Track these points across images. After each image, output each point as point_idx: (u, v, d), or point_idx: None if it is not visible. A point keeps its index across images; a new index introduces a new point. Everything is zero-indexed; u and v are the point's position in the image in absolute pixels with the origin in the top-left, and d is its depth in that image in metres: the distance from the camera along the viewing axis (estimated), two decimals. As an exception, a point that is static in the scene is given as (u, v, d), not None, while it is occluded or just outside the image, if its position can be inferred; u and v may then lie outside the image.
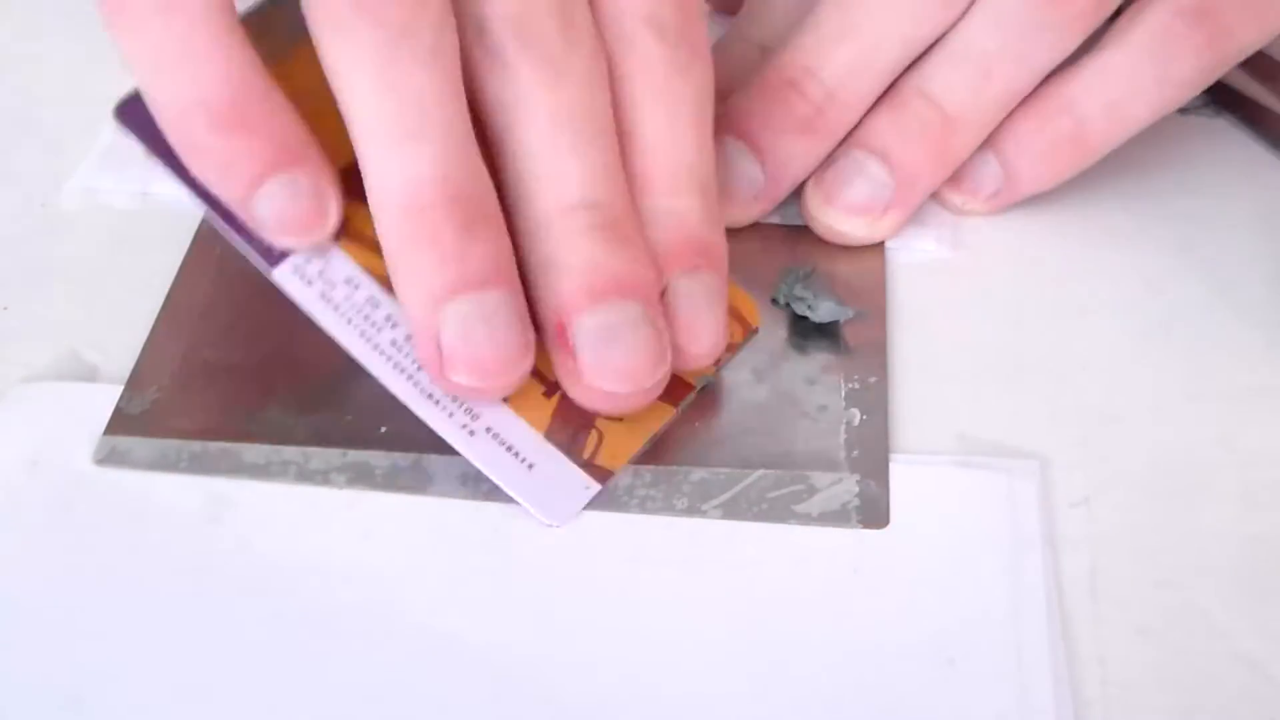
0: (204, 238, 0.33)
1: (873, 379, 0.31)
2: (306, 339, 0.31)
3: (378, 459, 0.29)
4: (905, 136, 0.33)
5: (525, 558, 0.28)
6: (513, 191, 0.28)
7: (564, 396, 0.28)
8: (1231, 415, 0.31)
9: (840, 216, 0.34)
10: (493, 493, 0.28)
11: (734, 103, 0.34)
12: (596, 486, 0.28)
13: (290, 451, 0.29)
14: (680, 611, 0.27)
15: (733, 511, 0.28)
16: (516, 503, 0.28)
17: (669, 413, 0.29)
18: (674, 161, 0.29)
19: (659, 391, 0.28)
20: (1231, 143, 0.38)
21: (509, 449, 0.28)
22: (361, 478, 0.29)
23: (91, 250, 0.34)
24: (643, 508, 0.28)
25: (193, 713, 0.25)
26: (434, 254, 0.26)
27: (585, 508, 0.28)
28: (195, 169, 0.27)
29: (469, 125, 0.27)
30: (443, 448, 0.29)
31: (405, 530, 0.28)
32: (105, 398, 0.30)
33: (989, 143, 0.34)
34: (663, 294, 0.28)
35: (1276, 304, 0.33)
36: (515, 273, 0.27)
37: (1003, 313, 0.33)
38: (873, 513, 0.28)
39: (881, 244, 0.34)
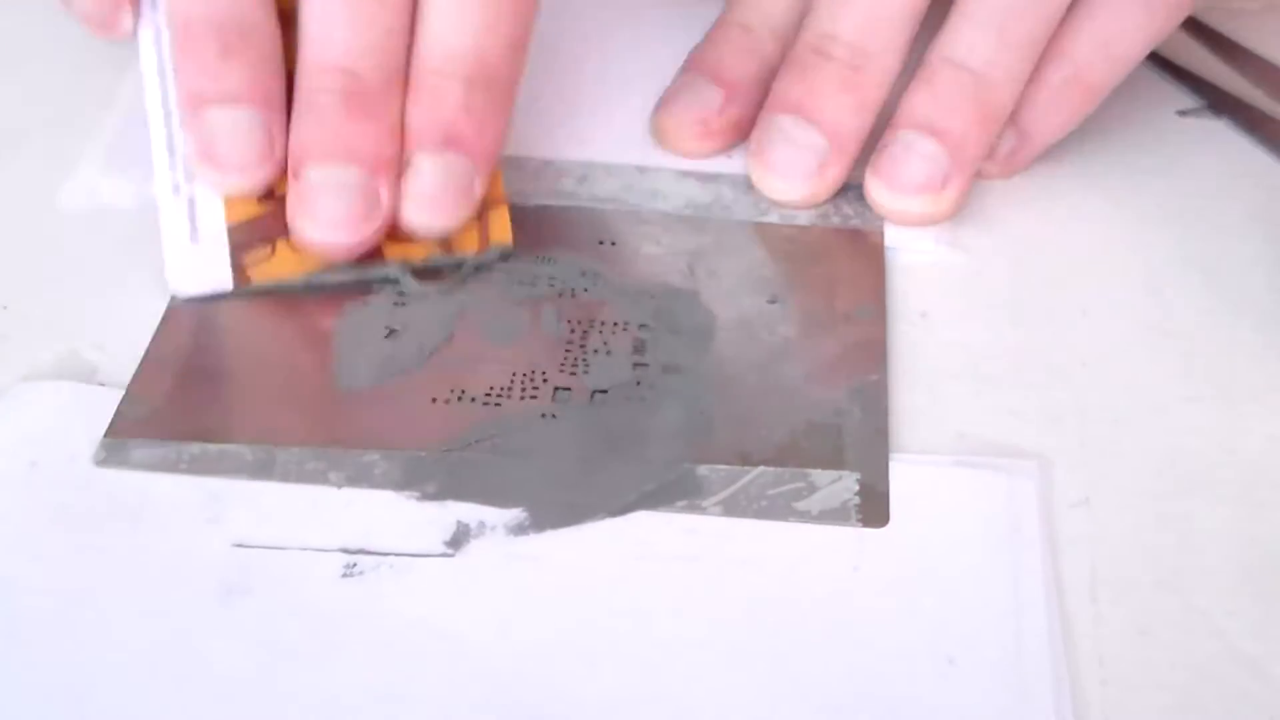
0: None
1: (873, 377, 0.31)
2: (306, 339, 0.31)
3: (375, 458, 0.29)
4: (944, 105, 0.34)
5: (524, 555, 0.28)
6: (299, 42, 0.31)
7: (271, 210, 0.32)
8: (1231, 416, 0.31)
9: (904, 199, 0.34)
10: (493, 494, 0.28)
11: (776, 85, 0.35)
12: (228, 285, 0.32)
13: (289, 451, 0.29)
14: (679, 608, 0.27)
15: (732, 508, 0.28)
16: (512, 504, 0.28)
17: (344, 269, 0.32)
18: (449, 45, 0.31)
19: (360, 249, 0.31)
20: (1231, 144, 0.38)
21: (190, 217, 0.32)
22: (359, 477, 0.29)
23: (92, 250, 0.34)
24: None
25: (193, 713, 0.25)
26: (195, 66, 0.31)
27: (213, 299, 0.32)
28: None
29: None
30: (440, 447, 0.29)
31: (404, 529, 0.28)
32: (106, 398, 0.30)
33: None
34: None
35: (1276, 305, 0.33)
36: (274, 98, 0.31)
37: (1003, 312, 0.33)
38: (873, 511, 0.28)
39: (882, 242, 0.34)
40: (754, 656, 0.26)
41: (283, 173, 0.32)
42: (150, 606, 0.27)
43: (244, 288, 0.32)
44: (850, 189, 0.36)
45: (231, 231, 0.32)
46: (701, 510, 0.28)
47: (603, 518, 0.28)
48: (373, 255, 0.32)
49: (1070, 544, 0.28)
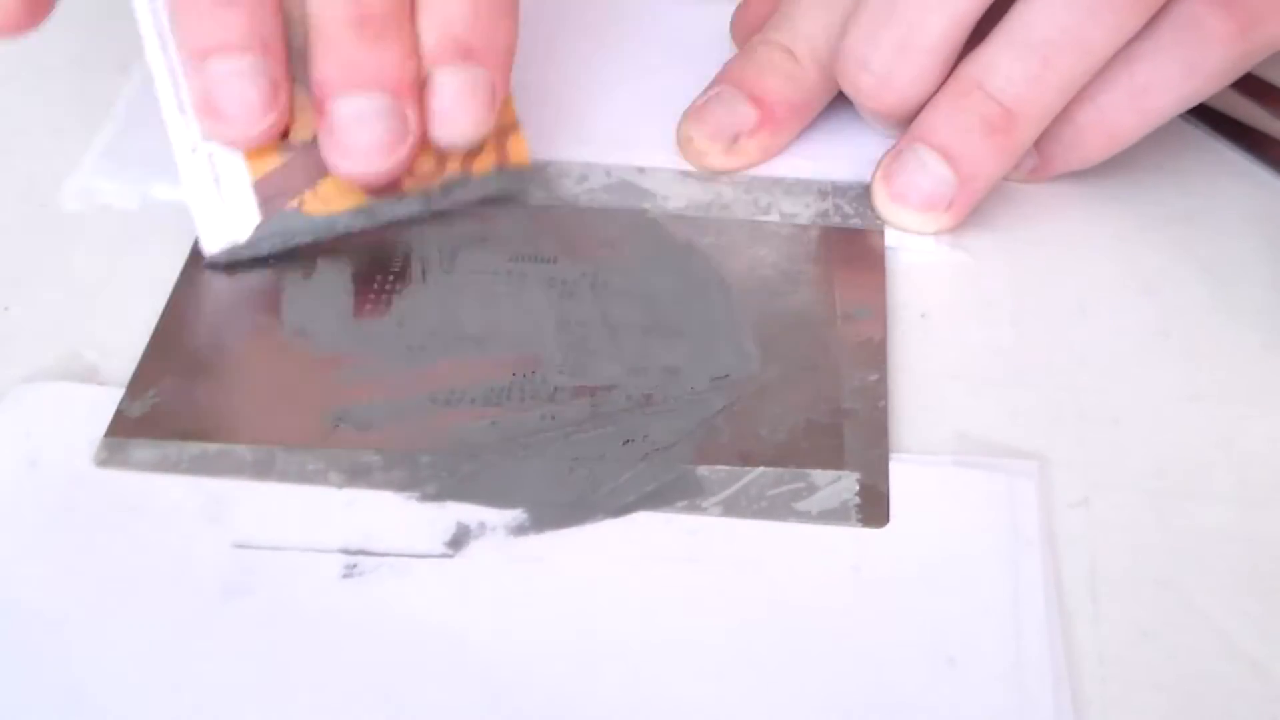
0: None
1: (873, 377, 0.31)
2: (306, 339, 0.31)
3: (375, 459, 0.29)
4: (965, 131, 0.33)
5: (524, 555, 0.28)
6: None
7: (293, 159, 0.32)
8: (1230, 416, 0.31)
9: (905, 211, 0.34)
10: (494, 495, 0.28)
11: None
12: (255, 221, 0.32)
13: (289, 452, 0.29)
14: (679, 609, 0.27)
15: (732, 509, 0.28)
16: (513, 504, 0.28)
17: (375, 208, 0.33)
18: None
19: (398, 173, 0.32)
20: (1230, 146, 0.38)
21: (213, 173, 0.32)
22: (359, 478, 0.29)
23: (92, 251, 0.34)
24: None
25: (193, 712, 0.25)
26: (194, 16, 0.31)
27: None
28: None
29: None
30: (440, 447, 0.29)
31: (404, 530, 0.28)
32: (106, 398, 0.30)
33: None
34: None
35: (1274, 305, 0.33)
36: (273, 43, 0.31)
37: (1003, 313, 0.33)
38: (873, 511, 0.28)
39: (882, 242, 0.34)
40: (754, 657, 0.26)
41: (290, 119, 0.32)
42: (150, 606, 0.27)
43: (272, 222, 0.32)
44: (851, 188, 0.36)
45: (258, 185, 0.32)
46: (701, 511, 0.28)
47: (603, 518, 0.28)
48: (392, 188, 0.33)
49: (1070, 543, 0.28)
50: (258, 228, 0.32)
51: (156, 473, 0.29)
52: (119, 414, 0.30)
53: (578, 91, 0.38)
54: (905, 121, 0.34)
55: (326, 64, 0.31)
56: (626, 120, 0.38)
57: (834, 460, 0.29)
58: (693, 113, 0.36)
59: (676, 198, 0.35)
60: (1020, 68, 0.33)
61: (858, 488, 0.29)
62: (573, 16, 0.41)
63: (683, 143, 0.36)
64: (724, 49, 0.39)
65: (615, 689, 0.26)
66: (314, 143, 0.32)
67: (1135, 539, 0.28)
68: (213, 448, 0.29)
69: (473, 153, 0.33)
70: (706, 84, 0.37)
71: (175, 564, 0.27)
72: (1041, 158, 0.35)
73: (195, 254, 0.33)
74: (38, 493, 0.28)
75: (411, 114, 0.31)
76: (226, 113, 0.31)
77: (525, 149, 0.34)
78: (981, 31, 0.33)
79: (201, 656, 0.26)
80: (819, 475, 0.29)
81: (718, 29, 0.40)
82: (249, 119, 0.31)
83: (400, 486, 0.29)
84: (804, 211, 0.35)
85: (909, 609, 0.27)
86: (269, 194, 0.32)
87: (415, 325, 0.32)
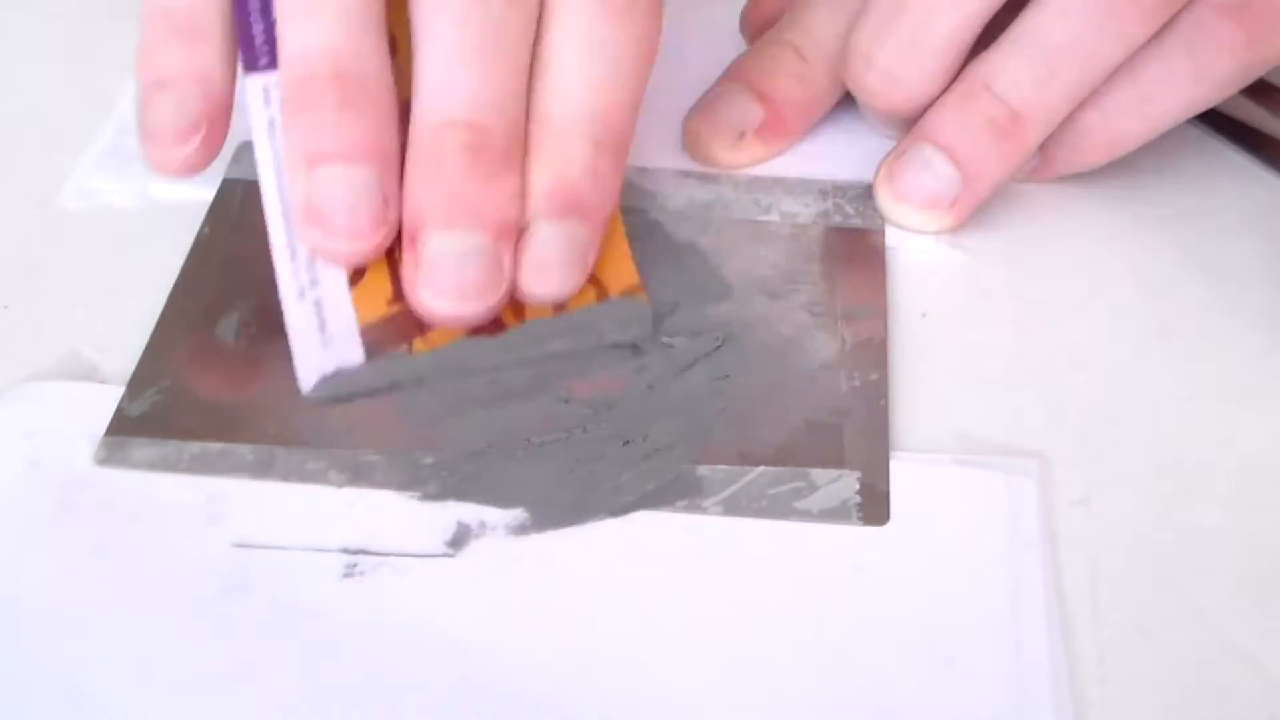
0: (205, 238, 0.33)
1: (873, 377, 0.31)
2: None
3: (376, 459, 0.29)
4: (971, 132, 0.33)
5: (524, 555, 0.28)
6: (414, 93, 0.29)
7: (404, 310, 0.30)
8: (1230, 415, 0.31)
9: (907, 210, 0.34)
10: (494, 494, 0.28)
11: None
12: (360, 359, 0.30)
13: (289, 451, 0.29)
14: (679, 608, 0.27)
15: (733, 508, 0.28)
16: (513, 504, 0.28)
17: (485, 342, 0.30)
18: (576, 104, 0.29)
19: (487, 319, 0.29)
20: (1230, 145, 0.38)
21: (321, 322, 0.30)
22: (360, 477, 0.29)
23: (92, 250, 0.34)
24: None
25: (192, 712, 0.25)
26: (311, 121, 0.29)
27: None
28: None
29: (374, 9, 0.29)
30: (439, 448, 0.29)
31: (405, 529, 0.28)
32: (106, 398, 0.30)
33: None
34: (524, 232, 0.29)
35: (1274, 305, 0.33)
36: (390, 155, 0.29)
37: (1003, 312, 0.33)
38: (873, 510, 0.28)
39: (883, 242, 0.34)
40: (754, 656, 0.26)
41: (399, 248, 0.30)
42: (151, 606, 0.27)
43: (375, 366, 0.30)
44: (852, 188, 0.36)
45: (365, 332, 0.30)
46: (702, 510, 0.28)
47: (603, 518, 0.28)
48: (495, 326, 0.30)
49: (1070, 543, 0.28)
50: (360, 367, 0.30)
51: (156, 472, 0.29)
52: (119, 413, 0.30)
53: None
54: (909, 123, 0.34)
55: (429, 191, 0.29)
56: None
57: (834, 459, 0.29)
58: (700, 108, 0.36)
59: (677, 198, 0.35)
60: (1029, 72, 0.32)
61: (858, 487, 0.29)
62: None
63: (688, 137, 0.36)
64: (726, 49, 0.39)
65: (615, 688, 0.26)
66: None
67: (1135, 538, 0.28)
68: (213, 447, 0.29)
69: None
70: (710, 82, 0.37)
71: (175, 563, 0.27)
72: (1044, 159, 0.35)
73: (195, 252, 0.33)
74: (38, 492, 0.28)
75: (508, 259, 0.29)
76: (333, 225, 0.29)
77: (630, 269, 0.32)
78: (989, 36, 0.33)
79: (201, 656, 0.26)
80: (819, 474, 0.29)
81: (720, 30, 0.40)
82: (355, 235, 0.29)
83: (401, 486, 0.29)
84: (805, 211, 0.35)
85: (909, 608, 0.27)
86: (376, 339, 0.30)
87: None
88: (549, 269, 0.29)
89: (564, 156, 0.29)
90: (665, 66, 0.38)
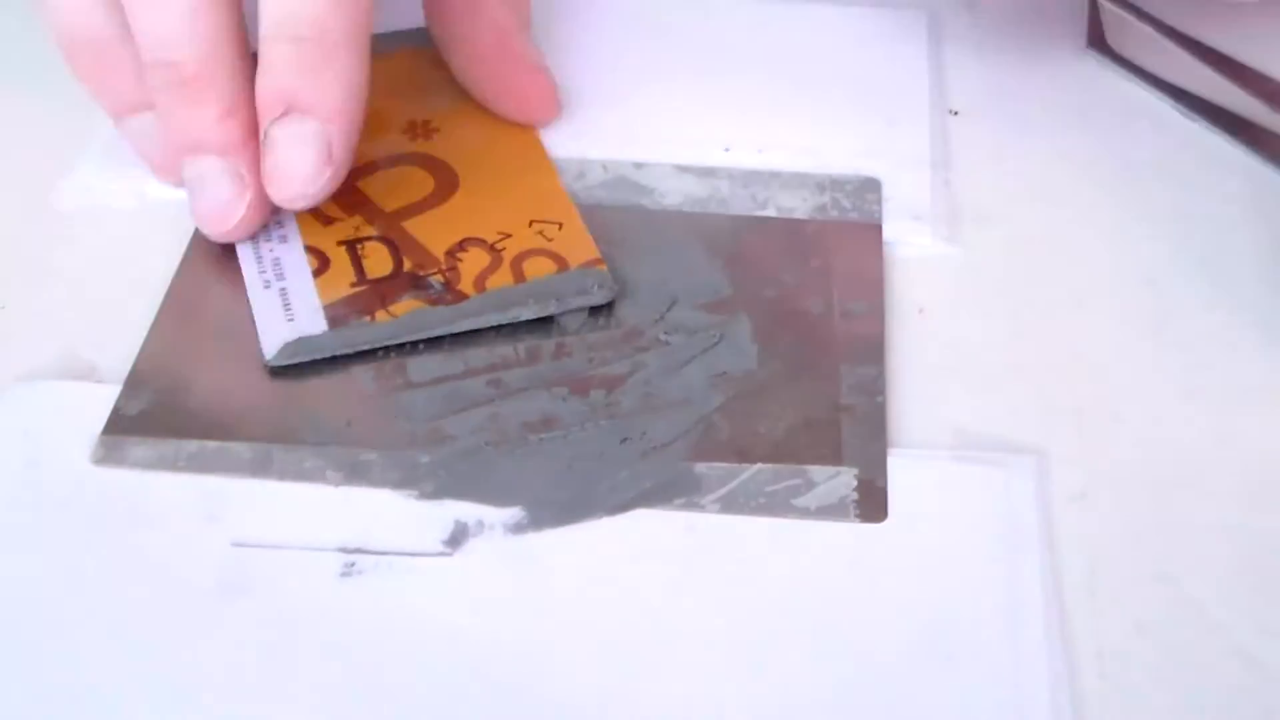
0: (203, 237, 0.33)
1: (871, 373, 0.31)
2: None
3: (373, 457, 0.29)
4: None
5: (522, 553, 0.28)
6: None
7: (368, 289, 0.32)
8: (1228, 411, 0.31)
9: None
10: (492, 493, 0.28)
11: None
12: (323, 326, 0.31)
13: (286, 449, 0.29)
14: (677, 606, 0.27)
15: (731, 505, 0.28)
16: (511, 502, 0.28)
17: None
18: (270, 11, 0.31)
19: (243, 233, 0.32)
20: (1227, 140, 0.38)
21: (285, 303, 0.31)
22: (357, 476, 0.29)
23: (90, 250, 0.34)
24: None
25: (191, 711, 0.25)
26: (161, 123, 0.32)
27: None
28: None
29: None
30: (436, 447, 0.29)
31: (402, 528, 0.28)
32: (103, 397, 0.30)
33: None
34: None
35: (1272, 301, 0.33)
36: (225, 136, 0.31)
37: (1000, 308, 0.33)
38: (870, 507, 0.28)
39: (880, 238, 0.34)
40: (752, 653, 0.26)
41: (366, 254, 0.33)
42: (148, 605, 0.27)
43: (337, 333, 0.31)
44: (849, 182, 0.36)
45: (328, 308, 0.31)
46: (699, 508, 0.28)
47: (601, 516, 0.28)
48: (457, 295, 0.32)
49: (1068, 538, 0.28)
50: (323, 334, 0.31)
51: (154, 471, 0.29)
52: (116, 412, 0.30)
53: (573, 87, 0.38)
54: None
55: (161, 134, 0.32)
56: (623, 115, 0.37)
57: (832, 456, 0.29)
58: None
59: (673, 193, 0.35)
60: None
61: (856, 483, 0.29)
62: (566, 13, 0.41)
63: None
64: (719, 42, 0.39)
65: (614, 686, 0.26)
66: (391, 276, 0.32)
67: (1133, 533, 0.28)
68: (210, 445, 0.29)
69: (520, 255, 0.33)
70: (695, 77, 0.36)
71: (173, 562, 0.27)
72: None
73: (192, 252, 0.33)
74: (35, 491, 0.28)
75: (246, 172, 0.32)
76: (201, 218, 0.32)
77: (589, 244, 0.33)
78: None
79: (199, 655, 0.26)
80: (817, 471, 0.29)
81: (713, 24, 0.40)
82: (216, 219, 0.32)
83: (398, 484, 0.29)
84: (801, 205, 0.35)
85: (907, 604, 0.27)
86: (339, 313, 0.31)
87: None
88: (283, 168, 0.31)
89: (269, 60, 0.31)
90: (659, 62, 0.38)
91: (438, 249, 0.33)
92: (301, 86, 0.31)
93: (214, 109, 0.31)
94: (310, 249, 0.32)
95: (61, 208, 0.35)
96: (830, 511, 0.28)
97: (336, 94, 0.31)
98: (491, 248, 0.33)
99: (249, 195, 0.32)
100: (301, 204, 0.32)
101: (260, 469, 0.29)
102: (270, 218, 0.33)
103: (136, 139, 0.34)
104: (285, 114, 0.31)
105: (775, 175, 0.36)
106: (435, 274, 0.32)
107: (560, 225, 0.33)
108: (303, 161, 0.31)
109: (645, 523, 0.28)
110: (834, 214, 0.35)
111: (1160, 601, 0.27)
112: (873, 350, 0.31)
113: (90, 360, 0.31)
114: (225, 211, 0.32)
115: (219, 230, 0.32)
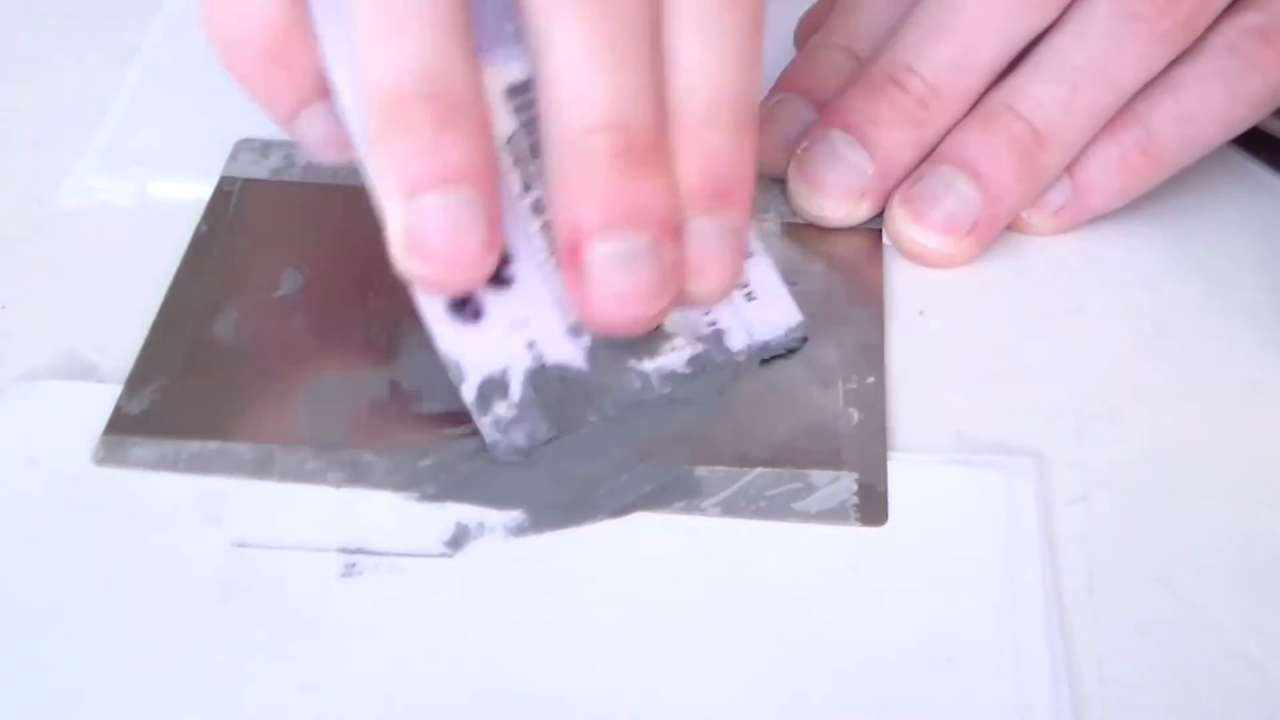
0: (203, 236, 0.33)
1: (871, 377, 0.31)
2: (304, 338, 0.31)
3: (374, 458, 0.29)
4: (993, 152, 0.33)
5: (523, 556, 0.28)
6: (542, 102, 0.28)
7: None
8: (1228, 413, 0.31)
9: (925, 234, 0.34)
10: (493, 495, 0.28)
11: (838, 100, 0.34)
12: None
13: (287, 450, 0.29)
14: (678, 609, 0.27)
15: (731, 509, 0.28)
16: (512, 505, 0.28)
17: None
18: (711, 91, 0.28)
19: (658, 321, 0.29)
20: (1227, 144, 0.38)
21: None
22: (358, 477, 0.29)
23: (90, 249, 0.34)
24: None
25: (191, 711, 0.25)
26: (407, 146, 0.27)
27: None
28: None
29: (462, 20, 0.27)
30: (440, 449, 0.29)
31: (403, 530, 0.28)
32: (104, 397, 0.30)
33: None
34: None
35: (1271, 303, 0.33)
36: (492, 173, 0.27)
37: (1000, 311, 0.33)
38: (871, 510, 0.28)
39: (880, 241, 0.34)
40: (753, 656, 0.26)
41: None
42: (149, 605, 0.27)
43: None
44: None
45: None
46: (700, 511, 0.28)
47: (602, 519, 0.28)
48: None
49: (1068, 541, 0.28)
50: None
51: (155, 471, 0.29)
52: (117, 412, 0.30)
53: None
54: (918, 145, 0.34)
55: (586, 200, 0.27)
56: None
57: (832, 460, 0.29)
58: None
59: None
60: (1049, 91, 0.33)
61: (856, 487, 0.29)
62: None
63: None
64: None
65: (614, 689, 0.26)
66: None
67: (1133, 536, 0.28)
68: (211, 446, 0.29)
69: None
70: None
71: (173, 563, 0.27)
72: (1076, 190, 0.34)
73: (193, 251, 0.33)
74: (36, 491, 0.28)
75: (675, 258, 0.28)
76: (437, 254, 0.27)
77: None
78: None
79: (200, 656, 0.26)
80: (817, 475, 0.29)
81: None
82: (463, 263, 0.27)
83: (399, 486, 0.29)
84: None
85: (908, 608, 0.27)
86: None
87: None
88: (709, 263, 0.28)
89: (708, 147, 0.28)
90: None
91: None
92: (737, 180, 0.28)
93: (661, 181, 0.28)
94: None
95: (63, 207, 0.35)
96: (831, 515, 0.28)
97: (749, 193, 0.29)
98: None
99: (675, 288, 0.28)
100: (712, 302, 0.30)
101: (261, 470, 0.29)
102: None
103: (309, 134, 0.30)
104: (716, 205, 0.28)
105: (775, 180, 0.36)
106: None
107: None
108: (731, 256, 0.29)
109: (646, 526, 0.28)
110: (834, 217, 0.35)
111: (1160, 603, 0.27)
112: (873, 353, 0.31)
113: (91, 360, 0.31)
114: (650, 302, 0.28)
115: (634, 316, 0.28)
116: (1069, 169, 0.34)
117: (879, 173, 0.34)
